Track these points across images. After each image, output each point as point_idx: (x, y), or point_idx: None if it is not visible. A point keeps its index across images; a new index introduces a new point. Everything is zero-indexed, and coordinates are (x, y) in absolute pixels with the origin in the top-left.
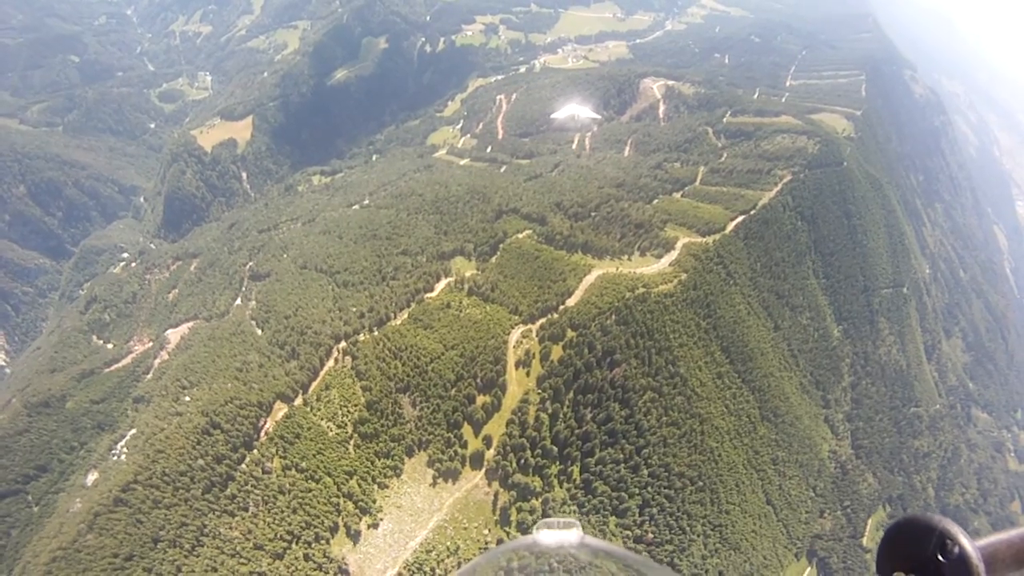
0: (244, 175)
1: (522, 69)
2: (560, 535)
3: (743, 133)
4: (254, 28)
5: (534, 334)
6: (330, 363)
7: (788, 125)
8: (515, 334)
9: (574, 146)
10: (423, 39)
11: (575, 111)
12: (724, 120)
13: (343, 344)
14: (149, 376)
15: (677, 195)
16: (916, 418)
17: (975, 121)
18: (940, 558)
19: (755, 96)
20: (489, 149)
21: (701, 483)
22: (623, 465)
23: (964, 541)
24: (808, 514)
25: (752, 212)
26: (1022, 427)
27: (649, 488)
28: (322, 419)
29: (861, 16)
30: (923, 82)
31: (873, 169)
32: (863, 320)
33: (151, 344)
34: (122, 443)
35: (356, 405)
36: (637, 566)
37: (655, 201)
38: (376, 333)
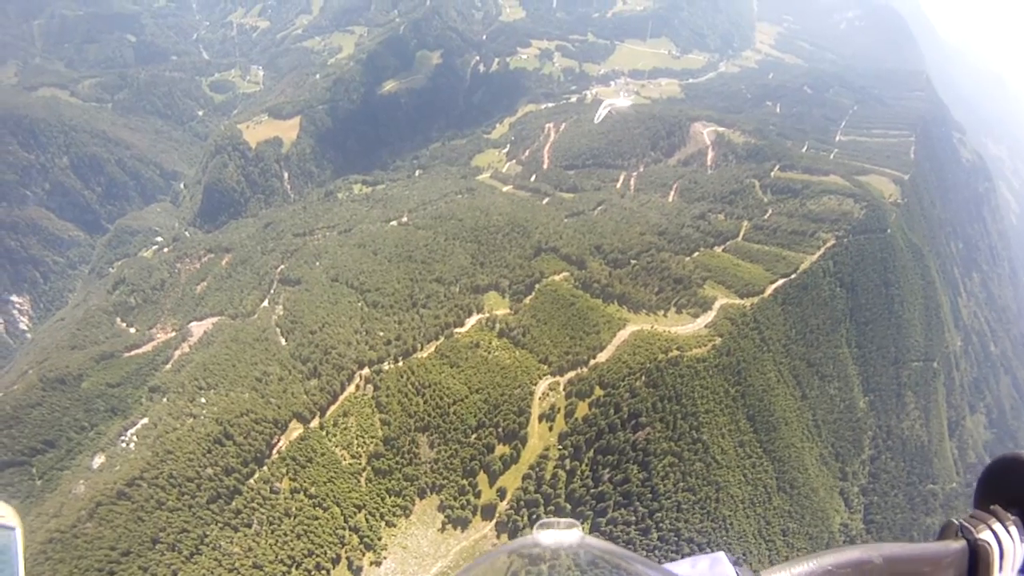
0: (286, 175)
1: (573, 99)
2: (560, 535)
3: (790, 190)
4: (311, 28)
5: (561, 388)
6: (351, 388)
7: (836, 186)
8: (542, 385)
9: (619, 185)
10: (477, 58)
11: (613, 103)
12: (772, 174)
13: (366, 371)
14: (168, 367)
15: (718, 249)
16: (931, 495)
17: (1018, 188)
18: None
19: (804, 149)
20: (533, 178)
21: (709, 550)
22: (634, 527)
23: None
24: None
25: (792, 276)
26: None
27: (656, 552)
28: (337, 446)
29: (915, 73)
30: (970, 146)
31: (916, 237)
32: (890, 393)
33: (174, 334)
34: (132, 431)
35: (373, 437)
36: (639, 567)
37: (695, 254)
38: (401, 364)
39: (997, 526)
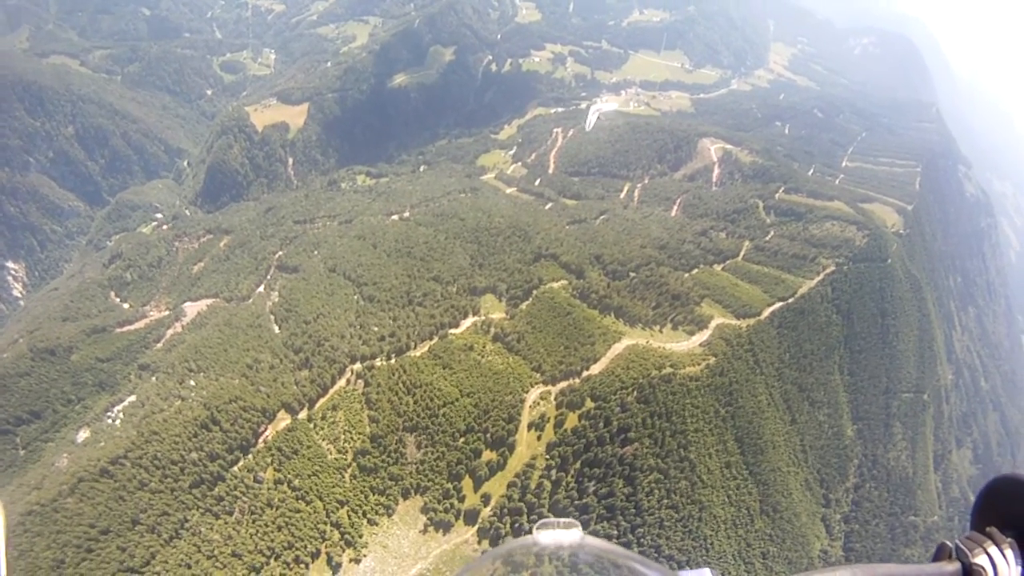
0: (290, 161)
1: (583, 105)
2: (559, 535)
3: (793, 212)
4: (326, 15)
5: (552, 398)
6: (341, 382)
7: (839, 212)
8: (533, 394)
9: (622, 195)
10: (490, 57)
11: (600, 108)
12: (776, 196)
13: (358, 366)
14: (159, 346)
15: (718, 267)
16: (912, 527)
17: (1020, 225)
18: None
19: (810, 173)
20: (538, 182)
21: (688, 568)
22: (615, 541)
23: None
24: None
25: (790, 300)
26: None
27: None
28: (323, 440)
29: (926, 105)
30: (975, 180)
31: (915, 268)
32: (879, 422)
33: (167, 313)
34: (119, 408)
35: (360, 434)
36: (639, 566)
37: (695, 271)
38: (393, 361)
39: (992, 549)
